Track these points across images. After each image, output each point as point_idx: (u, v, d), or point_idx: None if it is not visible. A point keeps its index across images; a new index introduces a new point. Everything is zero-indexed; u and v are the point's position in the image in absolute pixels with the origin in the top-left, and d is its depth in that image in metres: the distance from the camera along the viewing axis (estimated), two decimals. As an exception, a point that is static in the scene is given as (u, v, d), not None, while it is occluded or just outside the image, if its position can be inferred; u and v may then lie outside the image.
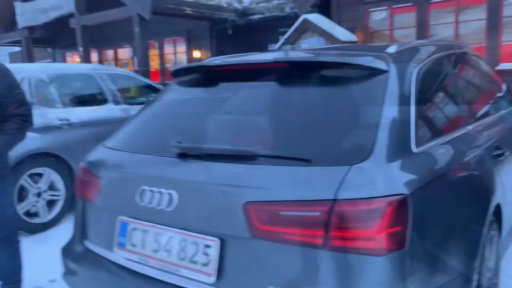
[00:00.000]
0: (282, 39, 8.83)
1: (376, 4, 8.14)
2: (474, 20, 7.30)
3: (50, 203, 4.17)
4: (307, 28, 8.28)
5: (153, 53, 12.74)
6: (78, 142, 4.17)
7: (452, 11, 7.47)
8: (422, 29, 7.72)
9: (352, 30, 8.40)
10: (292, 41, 8.57)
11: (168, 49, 13.12)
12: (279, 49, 8.83)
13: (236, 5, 11.15)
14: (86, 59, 11.43)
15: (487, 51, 7.17)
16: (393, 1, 7.95)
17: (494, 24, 7.05)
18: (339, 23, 8.53)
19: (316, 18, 8.06)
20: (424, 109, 1.87)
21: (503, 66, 7.07)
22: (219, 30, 11.59)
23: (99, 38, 12.88)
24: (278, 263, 1.45)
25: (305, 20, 8.17)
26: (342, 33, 7.71)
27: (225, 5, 11.07)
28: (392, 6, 8.02)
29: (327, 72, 1.81)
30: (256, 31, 10.99)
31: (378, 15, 8.24)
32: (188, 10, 10.29)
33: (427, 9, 7.66)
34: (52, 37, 15.06)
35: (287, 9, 10.20)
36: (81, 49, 11.39)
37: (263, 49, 10.93)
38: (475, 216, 1.87)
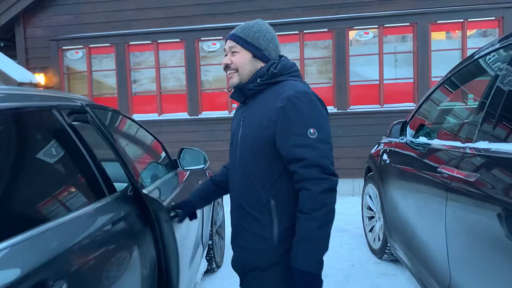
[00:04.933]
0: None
1: (71, 42, 6.97)
2: (176, 67, 6.91)
3: None
4: (-21, 64, 6.47)
5: None
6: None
7: (152, 54, 6.91)
8: (123, 71, 6.91)
9: (43, 70, 6.99)
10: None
11: None
12: None
13: None
14: None
15: (188, 101, 6.81)
16: (89, 39, 6.94)
17: (193, 73, 6.77)
18: (27, 61, 7.01)
19: (-12, 53, 6.36)
20: None
21: (205, 114, 6.83)
22: None
23: None
24: None
25: (-27, 54, 6.36)
26: (20, 73, 6.21)
27: None
28: (89, 45, 6.99)
29: None
30: None
31: (73, 55, 7.07)
32: None
33: (127, 50, 6.91)
34: None
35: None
36: None
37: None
38: None
